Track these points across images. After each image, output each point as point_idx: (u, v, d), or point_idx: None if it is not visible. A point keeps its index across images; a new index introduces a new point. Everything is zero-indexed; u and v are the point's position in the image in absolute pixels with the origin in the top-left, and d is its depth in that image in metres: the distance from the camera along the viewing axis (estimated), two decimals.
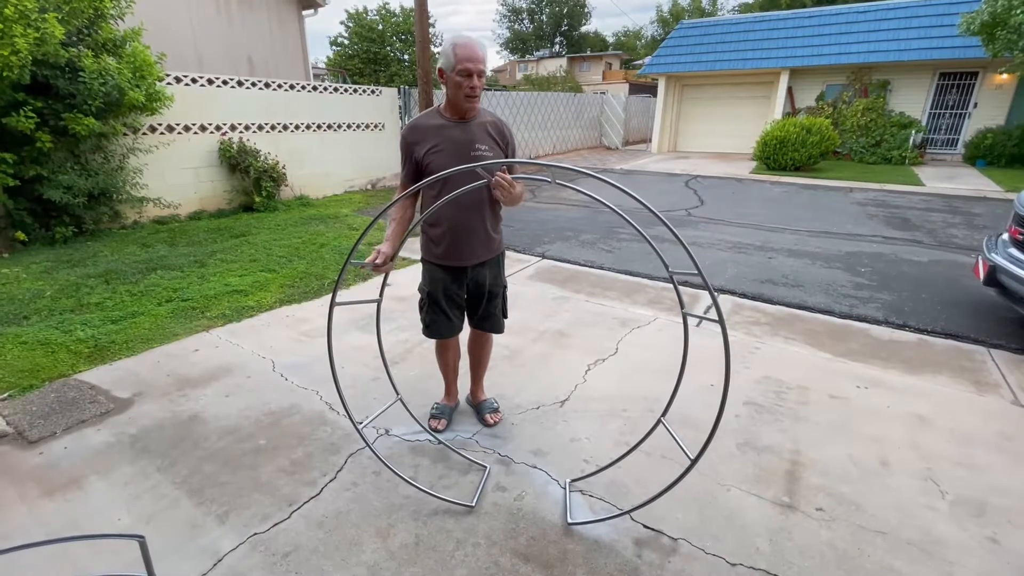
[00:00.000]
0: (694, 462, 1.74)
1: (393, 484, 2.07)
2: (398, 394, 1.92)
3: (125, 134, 5.85)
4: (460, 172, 1.72)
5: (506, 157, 2.11)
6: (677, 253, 5.46)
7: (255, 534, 1.82)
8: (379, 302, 1.72)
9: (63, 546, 1.68)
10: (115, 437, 2.36)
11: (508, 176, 1.81)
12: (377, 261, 1.81)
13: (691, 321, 3.72)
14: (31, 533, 1.80)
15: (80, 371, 2.94)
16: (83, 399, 2.66)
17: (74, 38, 5.16)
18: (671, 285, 4.43)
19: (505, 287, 2.39)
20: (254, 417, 2.51)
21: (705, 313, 3.83)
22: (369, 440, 2.34)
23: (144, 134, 6.15)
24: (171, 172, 6.55)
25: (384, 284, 1.92)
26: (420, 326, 2.34)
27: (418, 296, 2.31)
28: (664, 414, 1.95)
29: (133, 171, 5.89)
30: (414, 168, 2.07)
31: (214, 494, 2.00)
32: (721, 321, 1.49)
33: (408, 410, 2.10)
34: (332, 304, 1.70)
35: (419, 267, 2.28)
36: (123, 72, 5.13)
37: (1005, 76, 11.58)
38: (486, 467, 2.18)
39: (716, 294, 2.02)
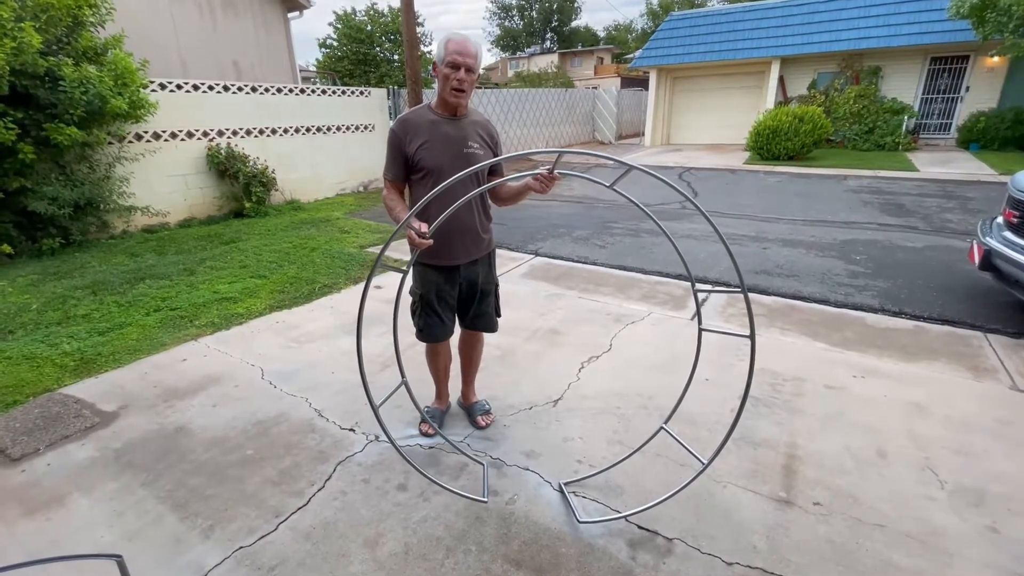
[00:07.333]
0: (706, 466, 1.71)
1: (382, 492, 2.03)
2: (403, 377, 1.88)
3: (110, 143, 5.77)
4: (453, 170, 1.68)
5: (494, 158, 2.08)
6: (680, 245, 5.43)
7: (240, 548, 1.77)
8: (405, 272, 1.74)
9: (41, 568, 1.63)
10: (99, 452, 2.31)
11: (555, 173, 1.73)
12: (423, 230, 1.70)
13: (688, 314, 3.68)
14: (10, 554, 1.76)
15: (65, 385, 2.89)
16: (67, 414, 2.61)
17: (53, 47, 5.09)
18: (665, 279, 4.42)
19: (497, 285, 2.36)
20: (241, 427, 2.47)
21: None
22: (359, 446, 2.32)
23: (130, 142, 6.08)
24: (159, 180, 6.48)
25: (414, 258, 1.82)
26: (409, 329, 2.29)
27: (409, 299, 2.27)
28: (666, 421, 1.92)
29: (120, 180, 5.82)
30: (404, 164, 2.02)
31: (199, 508, 1.96)
32: (752, 337, 1.47)
33: (412, 396, 2.03)
34: (370, 277, 1.67)
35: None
36: (104, 80, 5.06)
37: (996, 59, 11.54)
38: (483, 463, 2.16)
39: (711, 288, 1.98)
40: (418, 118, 2.02)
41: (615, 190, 1.53)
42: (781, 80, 14.13)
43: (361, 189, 9.48)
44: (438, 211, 1.76)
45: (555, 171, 1.68)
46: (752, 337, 1.53)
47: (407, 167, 2.03)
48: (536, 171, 1.71)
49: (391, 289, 4.10)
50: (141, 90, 5.62)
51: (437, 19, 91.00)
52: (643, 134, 17.17)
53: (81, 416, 2.59)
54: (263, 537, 1.82)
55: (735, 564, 1.68)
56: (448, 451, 2.27)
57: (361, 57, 17.71)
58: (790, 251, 5.16)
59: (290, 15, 11.18)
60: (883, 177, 9.29)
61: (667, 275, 4.54)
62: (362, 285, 4.49)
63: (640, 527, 1.84)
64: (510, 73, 37.63)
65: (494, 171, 2.15)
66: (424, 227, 1.71)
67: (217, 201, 7.18)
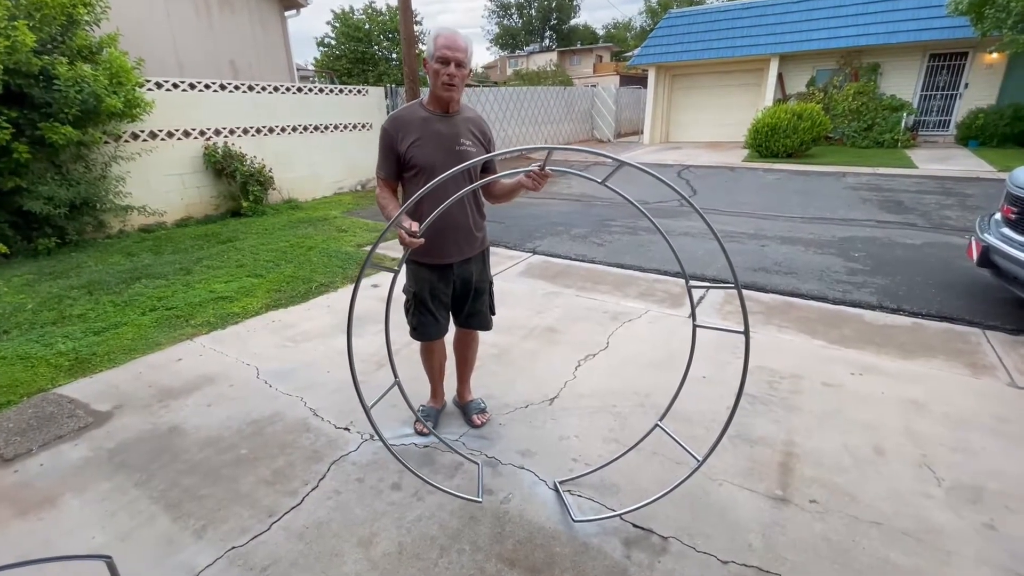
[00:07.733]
0: (700, 463, 1.69)
1: (376, 491, 2.02)
2: (396, 377, 1.87)
3: (106, 142, 5.75)
4: (445, 167, 1.67)
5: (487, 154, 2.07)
6: (677, 243, 5.41)
7: (233, 548, 1.76)
8: (396, 272, 1.75)
9: (35, 569, 1.62)
10: (93, 452, 2.30)
11: (546, 170, 1.71)
12: (413, 229, 1.68)
13: (685, 311, 3.67)
14: (2, 555, 1.75)
15: (60, 385, 2.88)
16: (61, 414, 2.59)
17: (48, 46, 5.06)
18: (663, 277, 4.41)
19: (491, 283, 2.34)
20: (236, 427, 2.46)
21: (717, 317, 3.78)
22: (354, 445, 2.31)
23: (126, 141, 6.06)
24: (156, 179, 6.47)
25: (405, 256, 1.83)
26: (404, 328, 2.28)
27: (403, 298, 2.25)
28: (661, 418, 1.91)
29: (116, 179, 5.80)
30: (396, 161, 2.01)
31: (192, 508, 1.95)
32: (746, 334, 1.46)
33: (405, 396, 2.02)
34: (359, 277, 1.68)
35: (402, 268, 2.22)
36: (99, 79, 5.04)
37: (995, 55, 11.51)
38: (477, 463, 2.14)
39: (707, 285, 1.97)
40: (410, 115, 2.00)
41: (607, 186, 1.52)
42: (780, 77, 14.10)
43: (359, 188, 9.46)
44: (430, 209, 1.75)
45: (547, 168, 1.67)
46: (746, 333, 1.52)
47: (399, 165, 2.02)
48: (528, 168, 1.70)
49: (387, 287, 4.09)
50: (137, 89, 5.60)
51: (435, 18, 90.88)
52: (642, 132, 17.15)
53: (75, 416, 2.57)
54: (256, 537, 1.81)
55: (730, 563, 1.67)
56: (443, 450, 2.26)
57: (359, 56, 17.66)
58: (788, 248, 5.15)
59: (287, 13, 11.14)
60: (882, 174, 9.27)
61: (665, 273, 4.53)
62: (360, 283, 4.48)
63: (635, 525, 1.83)
64: (509, 71, 37.52)
65: (487, 168, 2.13)
66: (415, 226, 1.69)
67: (214, 200, 7.16)
